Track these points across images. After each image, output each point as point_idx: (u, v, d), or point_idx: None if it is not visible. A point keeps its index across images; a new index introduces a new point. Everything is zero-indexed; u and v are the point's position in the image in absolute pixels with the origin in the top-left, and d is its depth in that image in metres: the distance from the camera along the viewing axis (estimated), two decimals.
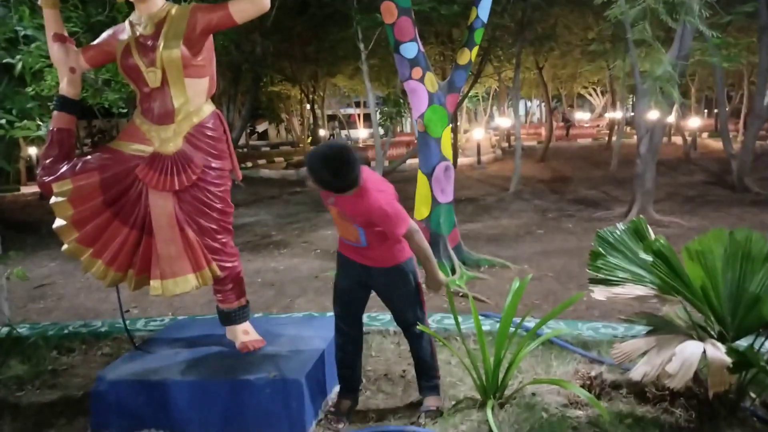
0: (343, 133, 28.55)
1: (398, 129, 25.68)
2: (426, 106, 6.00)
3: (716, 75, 11.56)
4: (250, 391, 2.66)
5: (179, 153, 2.82)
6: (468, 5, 6.51)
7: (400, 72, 6.06)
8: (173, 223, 2.83)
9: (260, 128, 32.40)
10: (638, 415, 2.67)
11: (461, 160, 16.80)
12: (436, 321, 4.16)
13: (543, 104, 31.06)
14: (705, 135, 21.69)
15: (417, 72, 5.93)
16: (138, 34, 2.80)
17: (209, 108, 2.92)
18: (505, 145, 22.79)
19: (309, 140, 23.94)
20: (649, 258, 2.65)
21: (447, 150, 6.15)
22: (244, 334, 3.05)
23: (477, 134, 18.07)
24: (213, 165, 2.89)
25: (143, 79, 2.79)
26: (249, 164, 18.37)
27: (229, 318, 3.07)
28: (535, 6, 10.35)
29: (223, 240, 2.95)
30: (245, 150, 24.06)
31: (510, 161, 15.40)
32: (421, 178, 6.13)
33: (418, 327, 2.80)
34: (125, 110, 7.03)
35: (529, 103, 38.12)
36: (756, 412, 2.61)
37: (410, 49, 5.88)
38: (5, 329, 4.07)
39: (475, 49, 6.31)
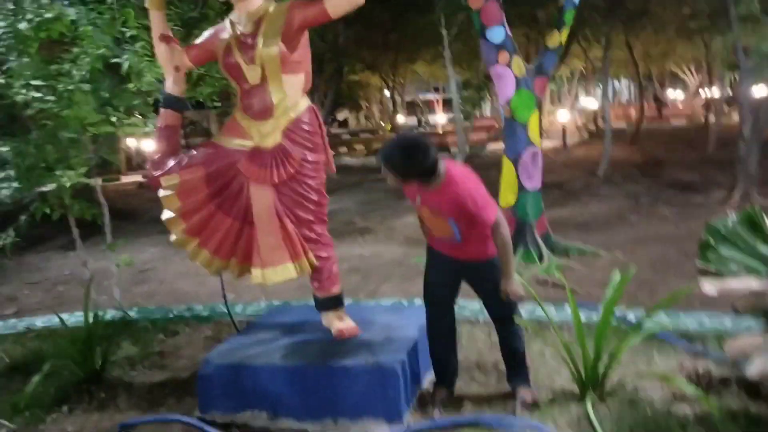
0: (422, 119, 28.47)
1: (477, 114, 25.33)
2: (513, 91, 5.86)
3: None
4: (347, 377, 2.73)
5: (278, 147, 2.91)
6: None
7: (486, 57, 5.95)
8: (273, 214, 2.93)
9: (341, 116, 32.92)
10: (752, 414, 2.52)
11: (545, 144, 16.28)
12: (527, 311, 4.09)
13: (632, 84, 29.60)
14: None
15: (504, 56, 5.80)
16: (238, 32, 2.90)
17: (305, 103, 2.99)
18: (592, 127, 21.92)
19: (389, 127, 24.06)
20: (767, 249, 2.48)
21: (535, 135, 5.99)
22: (339, 320, 3.12)
23: (562, 117, 17.50)
24: (309, 158, 2.96)
25: (244, 76, 2.89)
26: (332, 155, 18.67)
27: (325, 305, 3.15)
28: None
29: (319, 230, 3.03)
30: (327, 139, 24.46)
31: (597, 144, 14.83)
32: (507, 165, 6.01)
33: (512, 318, 2.78)
34: (218, 103, 7.33)
35: (617, 83, 36.41)
36: None
37: (497, 34, 5.75)
38: (117, 313, 4.37)
39: (566, 31, 6.10)
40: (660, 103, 26.21)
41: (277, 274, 2.93)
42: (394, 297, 4.84)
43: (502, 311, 2.81)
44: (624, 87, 38.69)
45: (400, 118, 20.54)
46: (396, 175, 2.57)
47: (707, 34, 12.15)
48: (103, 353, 3.62)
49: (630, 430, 2.49)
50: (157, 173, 2.99)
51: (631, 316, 3.60)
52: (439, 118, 25.87)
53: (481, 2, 5.68)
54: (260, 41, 2.83)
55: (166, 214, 3.01)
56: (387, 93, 22.72)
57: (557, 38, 6.04)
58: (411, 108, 29.20)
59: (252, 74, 2.88)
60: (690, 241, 2.82)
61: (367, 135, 26.51)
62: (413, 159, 2.50)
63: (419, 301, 4.52)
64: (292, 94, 2.93)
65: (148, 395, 3.35)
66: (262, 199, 2.94)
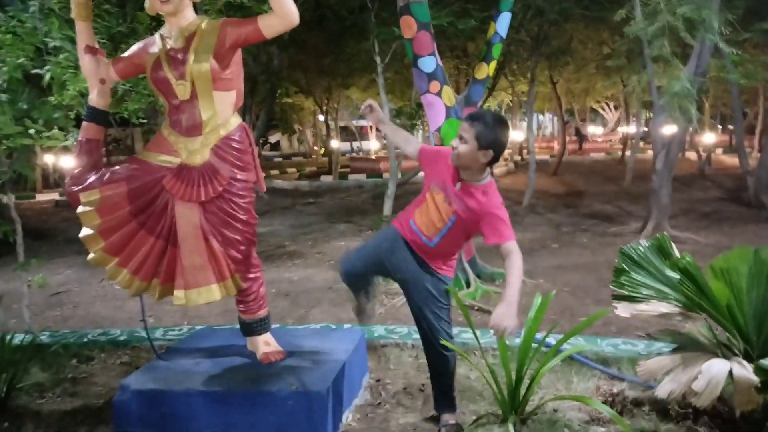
0: (355, 144, 28.66)
1: None
2: (443, 119, 6.02)
3: (732, 91, 11.52)
4: (272, 402, 2.67)
5: (206, 165, 2.85)
6: (485, 20, 6.55)
7: (418, 85, 6.09)
8: (198, 233, 2.86)
9: (273, 139, 32.61)
10: None
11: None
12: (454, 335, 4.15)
13: (555, 118, 31.02)
14: (719, 151, 21.56)
15: (435, 86, 5.96)
16: (168, 47, 2.85)
17: (236, 121, 2.96)
18: (517, 158, 22.76)
19: (322, 151, 24.05)
20: (675, 275, 2.64)
21: None
22: (265, 345, 3.06)
23: None
24: (239, 177, 2.91)
25: (173, 91, 2.83)
26: (262, 175, 18.43)
27: (251, 329, 3.09)
28: (551, 22, 10.39)
29: (247, 251, 2.97)
30: (259, 160, 24.16)
31: (522, 175, 15.38)
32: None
33: (440, 341, 2.80)
34: (144, 120, 7.12)
35: (541, 117, 38.09)
36: None
37: (429, 63, 5.91)
38: (27, 337, 4.11)
39: (493, 64, 6.35)
40: (581, 137, 27.57)
41: (201, 295, 2.85)
42: (324, 322, 4.80)
43: (432, 332, 2.81)
44: (548, 121, 40.53)
45: (334, 143, 20.58)
46: (480, 140, 2.46)
47: (624, 73, 12.93)
48: (8, 380, 3.38)
49: None
50: (76, 188, 2.86)
51: (552, 340, 3.72)
52: (372, 144, 26.16)
53: (413, 32, 5.83)
54: (191, 57, 2.78)
55: (85, 231, 2.88)
56: (321, 117, 22.77)
57: (485, 70, 6.28)
58: (345, 133, 29.38)
59: (181, 90, 2.82)
60: (607, 269, 2.97)
61: (300, 158, 26.42)
62: (505, 130, 2.54)
63: (348, 325, 4.54)
64: (222, 112, 2.89)
65: (58, 423, 3.15)
66: (187, 217, 2.86)
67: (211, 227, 2.88)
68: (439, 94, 5.97)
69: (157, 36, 2.93)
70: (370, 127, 28.11)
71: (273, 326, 3.25)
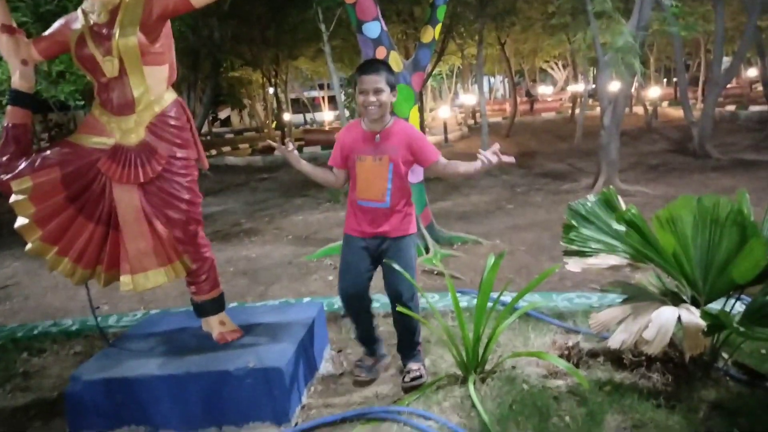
0: (308, 116, 28.25)
1: None
2: None
3: (674, 44, 11.75)
4: (230, 382, 2.63)
5: (142, 144, 2.73)
6: None
7: (364, 52, 5.98)
8: (140, 216, 2.75)
9: (223, 115, 31.85)
10: (617, 382, 2.72)
11: (428, 139, 16.77)
12: None
13: (506, 80, 31.20)
14: (665, 104, 22.11)
15: (381, 51, 5.86)
16: (92, 22, 2.68)
17: (171, 96, 2.83)
18: (471, 122, 22.86)
19: (274, 125, 23.63)
20: (622, 228, 2.68)
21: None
22: (221, 324, 3.00)
23: (443, 112, 18.07)
24: (178, 155, 2.80)
25: (100, 69, 2.68)
26: (213, 152, 18.04)
27: (204, 309, 3.02)
28: None
29: (193, 231, 2.88)
30: (209, 137, 23.63)
31: (477, 138, 15.45)
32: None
33: (411, 296, 2.85)
34: (82, 102, 6.80)
35: (492, 80, 38.24)
36: (729, 372, 2.68)
37: (373, 29, 5.80)
38: None
39: (438, 27, 6.27)
40: (532, 97, 27.84)
41: (148, 280, 2.76)
42: (284, 298, 4.75)
43: (403, 288, 2.84)
44: (499, 83, 40.73)
45: (286, 116, 20.19)
46: (390, 84, 2.70)
47: (570, 31, 13.02)
48: None
49: (509, 406, 2.60)
50: (6, 177, 2.70)
51: (508, 299, 3.78)
52: (326, 116, 25.80)
53: None
54: (117, 31, 2.63)
55: (20, 221, 2.73)
56: (271, 90, 22.31)
57: (431, 34, 6.20)
58: (297, 105, 28.86)
59: (109, 66, 2.67)
60: (561, 226, 3.00)
61: (252, 133, 25.91)
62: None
63: (308, 298, 4.51)
64: (154, 87, 2.76)
65: (10, 420, 3.04)
66: (127, 200, 2.75)
67: (153, 209, 2.78)
68: (386, 59, 5.88)
69: (79, 11, 2.76)
70: (323, 97, 27.72)
71: (231, 305, 3.19)
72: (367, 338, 3.11)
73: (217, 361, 2.73)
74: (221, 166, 15.48)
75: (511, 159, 2.67)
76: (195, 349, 2.90)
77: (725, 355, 2.69)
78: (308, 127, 24.74)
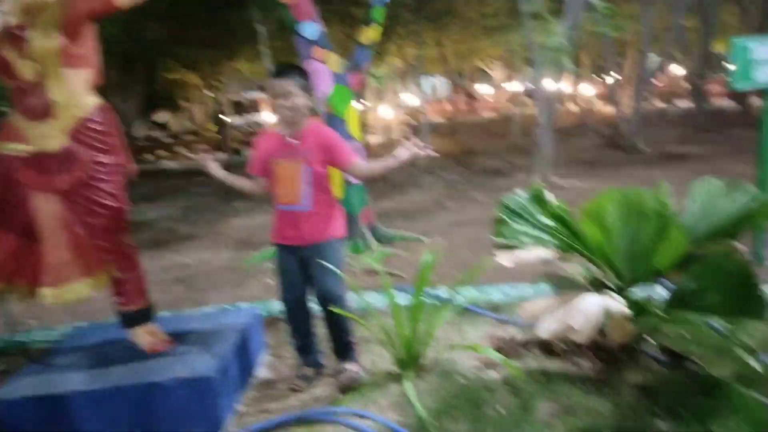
0: (249, 118, 27.80)
1: None
2: (329, 86, 5.93)
3: (605, 44, 12.18)
4: (159, 393, 2.54)
5: (63, 150, 2.61)
6: None
7: (301, 52, 5.93)
8: (61, 226, 2.63)
9: (161, 119, 30.94)
10: (548, 370, 2.79)
11: (371, 140, 16.84)
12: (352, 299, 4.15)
13: (447, 80, 31.58)
14: (599, 102, 22.88)
15: (318, 52, 5.83)
16: (8, 23, 2.55)
17: (94, 100, 2.71)
18: (413, 122, 23.03)
19: (214, 128, 23.14)
20: (550, 221, 2.75)
21: (355, 130, 6.12)
22: (150, 335, 2.90)
23: (385, 113, 18.15)
24: (102, 161, 2.69)
25: (16, 72, 2.54)
26: (150, 157, 17.51)
27: (132, 320, 2.90)
28: None
29: (118, 240, 2.77)
30: (145, 143, 22.90)
31: (419, 138, 15.56)
32: None
33: (342, 298, 2.85)
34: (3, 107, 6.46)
35: (435, 80, 38.64)
36: (653, 355, 2.79)
37: (310, 30, 5.76)
38: None
39: (376, 28, 6.29)
40: (471, 97, 28.30)
41: (71, 292, 2.64)
42: (223, 304, 4.65)
43: (334, 290, 2.83)
44: (441, 83, 41.17)
45: (226, 118, 19.82)
46: (304, 88, 2.71)
47: (506, 32, 13.31)
48: None
49: (445, 401, 2.63)
50: None
51: (446, 294, 3.82)
52: (266, 116, 25.44)
53: None
54: (34, 33, 2.51)
55: None
56: (209, 93, 21.81)
57: (369, 35, 6.21)
58: (238, 107, 28.34)
59: (26, 70, 2.54)
60: None
61: (190, 137, 25.30)
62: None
63: (246, 304, 4.42)
64: (76, 92, 2.63)
65: None
66: (47, 209, 2.62)
67: (75, 217, 2.65)
68: (323, 60, 5.85)
69: None
70: (264, 99, 27.34)
71: (164, 313, 3.09)
72: (307, 348, 3.07)
73: (146, 372, 2.63)
74: (157, 171, 15.05)
75: (428, 150, 2.68)
76: (123, 361, 2.79)
77: (649, 340, 2.80)
78: (249, 129, 24.30)
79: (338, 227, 2.90)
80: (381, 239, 6.23)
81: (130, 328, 2.92)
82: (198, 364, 2.63)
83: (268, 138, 2.90)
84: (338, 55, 6.13)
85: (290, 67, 2.81)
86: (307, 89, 2.75)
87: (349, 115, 6.05)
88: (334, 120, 6.00)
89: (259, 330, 3.40)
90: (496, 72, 33.53)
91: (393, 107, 23.69)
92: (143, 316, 2.91)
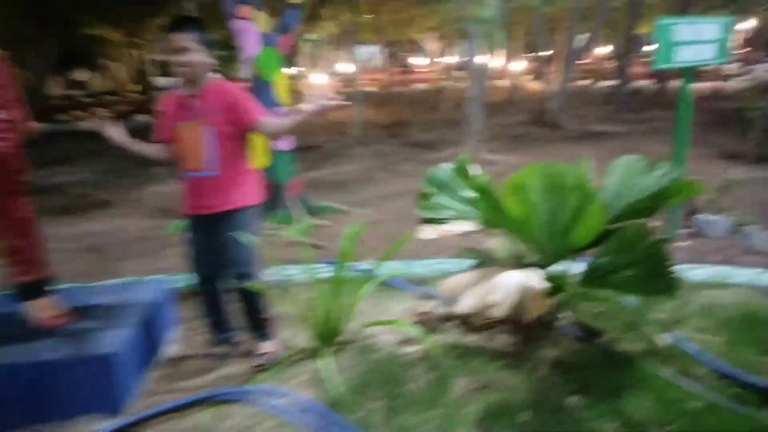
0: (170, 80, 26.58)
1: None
2: (257, 47, 5.66)
3: (535, 20, 12.32)
4: (53, 373, 2.34)
5: None
6: None
7: (226, 10, 5.62)
8: None
9: (80, 77, 29.06)
10: (467, 345, 2.78)
11: (306, 107, 16.44)
12: (271, 274, 4.01)
13: (382, 50, 31.25)
14: (528, 77, 23.30)
15: (245, 10, 5.54)
16: None
17: None
18: (347, 90, 22.70)
19: (139, 88, 21.97)
20: (473, 195, 2.71)
21: (283, 95, 5.89)
22: (46, 309, 2.67)
23: (318, 80, 17.77)
24: None
25: None
26: (65, 117, 16.41)
27: (27, 293, 2.66)
28: None
29: (14, 205, 2.51)
30: (61, 101, 21.47)
31: (353, 107, 15.37)
32: None
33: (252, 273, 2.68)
34: None
35: (371, 49, 38.15)
36: (569, 330, 2.84)
37: None
38: None
39: None
40: (406, 68, 28.20)
41: None
42: (138, 275, 4.40)
43: (244, 264, 2.66)
44: (378, 53, 40.73)
45: (159, 80, 18.80)
46: (204, 43, 2.50)
47: (442, 3, 13.19)
48: None
49: (363, 376, 2.57)
50: None
51: (369, 267, 3.76)
52: None
53: None
54: None
55: None
56: (134, 51, 20.62)
57: None
58: (165, 67, 26.98)
59: None
60: None
61: (112, 97, 23.94)
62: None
63: (160, 276, 4.19)
64: None
65: None
66: None
67: None
68: (251, 19, 5.57)
69: None
70: None
71: (69, 286, 2.86)
72: (220, 324, 2.93)
73: (40, 350, 2.43)
74: (73, 133, 14.12)
75: (336, 101, 2.52)
76: (15, 337, 2.56)
77: (565, 315, 2.84)
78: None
79: (251, 194, 2.70)
80: (309, 210, 6.09)
81: (24, 300, 2.68)
82: (97, 341, 2.45)
83: (169, 99, 2.68)
84: (268, 15, 5.86)
85: (187, 19, 2.58)
86: (207, 43, 2.53)
87: (277, 78, 5.82)
88: (261, 84, 5.76)
89: (169, 304, 3.21)
90: (431, 44, 33.51)
91: (327, 74, 23.27)
92: (40, 288, 2.67)
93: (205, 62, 2.54)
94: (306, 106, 2.46)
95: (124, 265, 4.78)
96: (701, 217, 4.68)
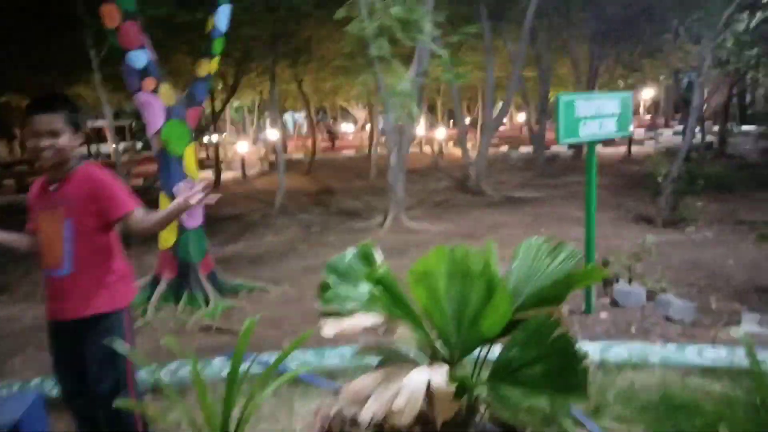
0: (92, 148, 25.67)
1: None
2: (162, 121, 5.44)
3: (453, 90, 12.74)
4: None
5: None
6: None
7: (129, 83, 5.40)
8: None
9: None
10: None
11: (227, 175, 16.15)
12: (171, 371, 3.65)
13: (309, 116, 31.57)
14: (451, 144, 24.02)
15: (149, 83, 5.35)
16: None
17: None
18: (272, 158, 22.59)
19: None
20: (375, 286, 2.53)
21: (191, 169, 5.64)
22: None
23: (241, 147, 17.56)
24: None
25: None
26: None
27: None
28: (286, 18, 10.27)
29: None
30: None
31: (276, 175, 15.22)
32: (164, 201, 5.54)
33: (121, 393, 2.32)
34: None
35: (297, 115, 38.51)
36: (485, 427, 2.64)
37: (139, 58, 5.28)
38: None
39: (216, 60, 5.94)
40: (333, 135, 28.51)
41: None
42: (27, 374, 3.92)
43: (104, 383, 2.30)
44: (303, 119, 41.17)
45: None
46: (73, 124, 2.26)
47: (360, 73, 13.45)
48: None
49: None
50: None
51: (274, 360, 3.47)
52: (112, 147, 23.56)
53: (116, 22, 5.15)
54: None
55: None
56: None
57: (206, 67, 5.85)
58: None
59: None
60: None
61: (22, 167, 22.76)
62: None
63: (36, 380, 3.73)
64: None
65: None
66: None
67: None
68: (155, 92, 5.37)
69: None
70: (108, 128, 25.40)
71: None
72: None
73: None
74: None
75: (211, 200, 2.32)
76: None
77: (481, 412, 2.65)
78: (92, 160, 22.25)
79: (118, 297, 2.37)
80: (222, 290, 5.75)
81: None
82: None
83: (35, 185, 2.40)
84: (172, 87, 5.67)
85: (56, 97, 2.31)
86: (76, 124, 2.28)
87: (185, 152, 5.59)
88: (168, 158, 5.51)
89: (42, 416, 2.80)
90: (358, 111, 34.23)
91: (252, 142, 23.12)
92: None
93: (73, 145, 2.28)
94: (177, 200, 2.22)
95: (13, 363, 4.28)
96: (617, 287, 4.70)
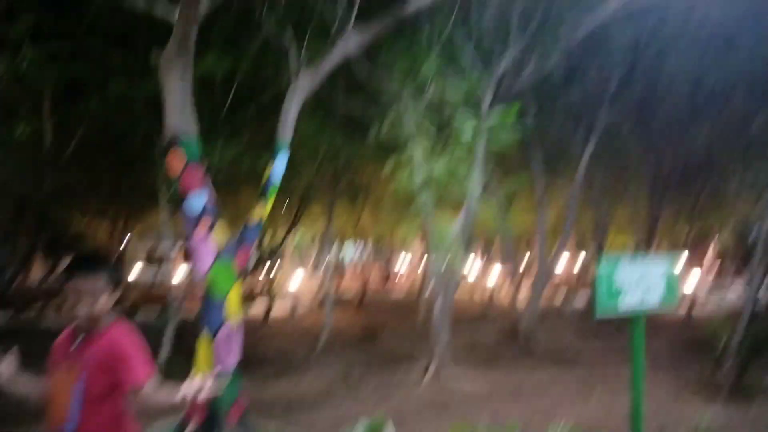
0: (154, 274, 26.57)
1: None
2: (210, 263, 5.55)
3: (504, 240, 12.65)
4: None
5: None
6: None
7: (186, 228, 5.60)
8: None
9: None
10: None
11: (277, 312, 16.12)
12: None
13: (365, 250, 31.91)
14: (505, 287, 23.38)
15: (204, 223, 5.47)
16: None
17: None
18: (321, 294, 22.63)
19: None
20: None
21: (234, 308, 5.66)
22: None
23: (296, 281, 17.74)
24: None
25: None
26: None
27: None
28: (346, 163, 10.72)
29: None
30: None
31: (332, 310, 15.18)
32: (204, 342, 5.53)
33: None
34: None
35: (355, 247, 38.85)
36: None
37: (197, 202, 5.45)
38: None
39: (268, 206, 6.18)
40: (387, 272, 28.58)
41: None
42: None
43: None
44: (361, 252, 41.47)
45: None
46: (111, 283, 2.29)
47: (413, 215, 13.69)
48: None
49: None
50: None
51: None
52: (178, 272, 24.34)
53: (180, 167, 5.43)
54: None
55: None
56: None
57: (259, 212, 6.07)
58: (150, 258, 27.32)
59: None
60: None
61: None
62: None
63: None
64: None
65: None
66: None
67: None
68: (209, 231, 5.50)
69: None
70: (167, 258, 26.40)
71: None
72: None
73: None
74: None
75: (213, 390, 2.26)
76: None
77: None
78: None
79: None
80: None
81: None
82: None
83: (63, 335, 2.37)
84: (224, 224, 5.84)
85: (97, 258, 2.36)
86: (117, 283, 2.31)
87: (230, 295, 5.65)
88: (211, 300, 5.56)
89: None
90: (416, 249, 34.39)
91: (310, 274, 23.39)
92: None
93: (109, 306, 2.29)
94: (184, 390, 2.22)
95: None
96: None
